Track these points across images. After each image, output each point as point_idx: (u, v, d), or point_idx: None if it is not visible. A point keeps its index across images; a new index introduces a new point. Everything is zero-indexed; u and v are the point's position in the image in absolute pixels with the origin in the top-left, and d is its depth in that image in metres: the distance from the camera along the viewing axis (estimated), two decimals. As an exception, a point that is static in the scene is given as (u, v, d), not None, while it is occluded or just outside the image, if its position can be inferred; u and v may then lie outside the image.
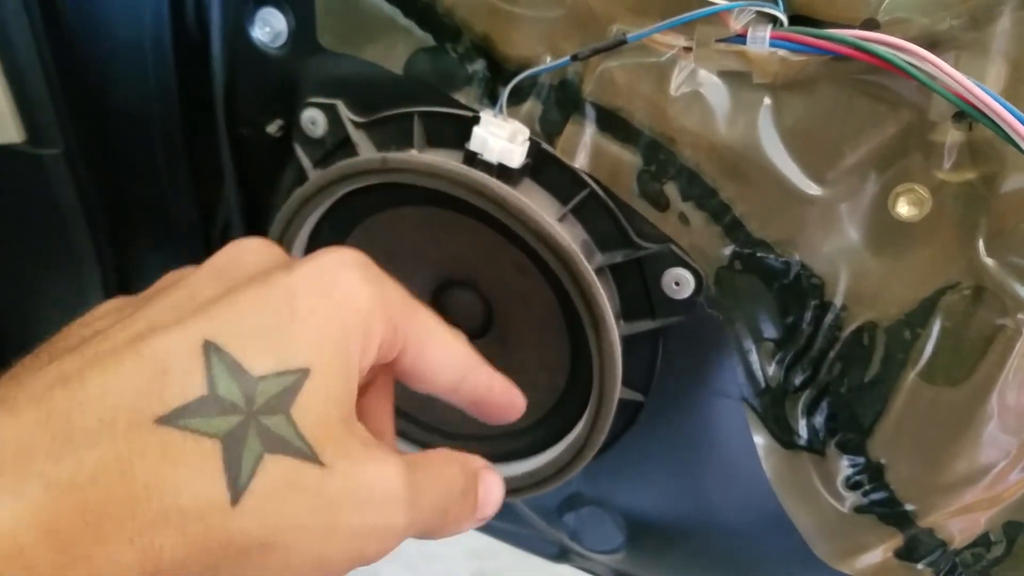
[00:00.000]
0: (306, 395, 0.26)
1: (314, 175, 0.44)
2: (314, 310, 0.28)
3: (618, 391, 0.42)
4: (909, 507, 0.41)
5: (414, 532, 0.30)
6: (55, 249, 0.62)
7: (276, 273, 0.29)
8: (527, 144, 0.40)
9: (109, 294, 0.64)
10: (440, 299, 0.48)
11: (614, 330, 0.40)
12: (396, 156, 0.40)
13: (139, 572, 0.23)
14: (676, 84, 0.37)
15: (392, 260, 0.47)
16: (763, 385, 0.42)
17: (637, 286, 0.41)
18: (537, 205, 0.40)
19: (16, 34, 0.53)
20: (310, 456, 0.26)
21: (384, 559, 0.29)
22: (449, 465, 0.33)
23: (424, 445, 0.52)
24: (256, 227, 0.56)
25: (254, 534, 0.25)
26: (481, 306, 0.47)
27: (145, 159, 0.62)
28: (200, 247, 0.66)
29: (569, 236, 0.40)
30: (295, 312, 0.28)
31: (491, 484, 0.35)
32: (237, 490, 0.25)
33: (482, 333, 0.48)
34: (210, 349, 0.26)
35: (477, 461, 0.35)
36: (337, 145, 0.45)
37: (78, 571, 0.23)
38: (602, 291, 0.40)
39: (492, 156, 0.39)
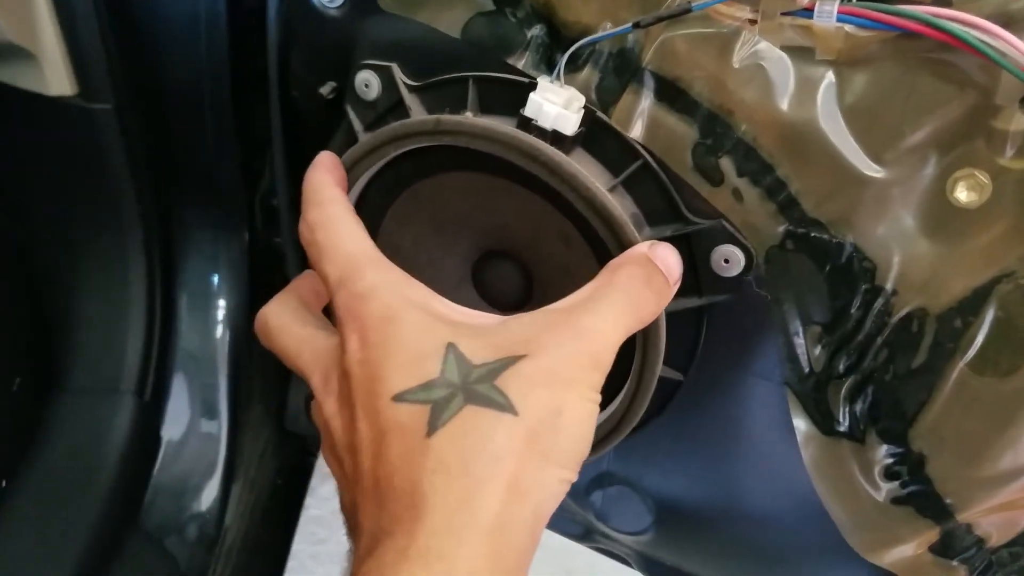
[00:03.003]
0: (513, 370, 0.32)
1: (365, 136, 0.45)
2: None
3: (659, 369, 0.42)
4: (948, 501, 0.41)
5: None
6: (99, 205, 0.63)
7: None
8: (582, 112, 0.39)
9: (150, 252, 0.65)
10: (480, 269, 0.48)
11: None
12: (450, 118, 0.40)
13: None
14: (738, 56, 0.36)
15: (436, 228, 0.48)
16: (807, 369, 0.41)
17: (684, 262, 0.41)
18: (588, 174, 0.40)
19: None
20: (507, 407, 0.31)
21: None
22: (620, 300, 0.36)
23: None
24: (301, 193, 0.56)
25: (447, 460, 0.30)
26: (521, 277, 0.47)
27: (193, 121, 0.62)
28: (241, 210, 0.67)
29: (619, 205, 0.39)
30: None
31: (663, 255, 0.37)
32: (433, 428, 0.31)
33: (521, 304, 0.48)
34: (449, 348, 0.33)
35: (638, 249, 0.37)
36: (389, 108, 0.45)
37: None
38: None
39: (546, 122, 0.39)
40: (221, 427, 0.67)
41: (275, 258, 0.71)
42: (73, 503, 0.62)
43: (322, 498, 1.03)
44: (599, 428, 0.45)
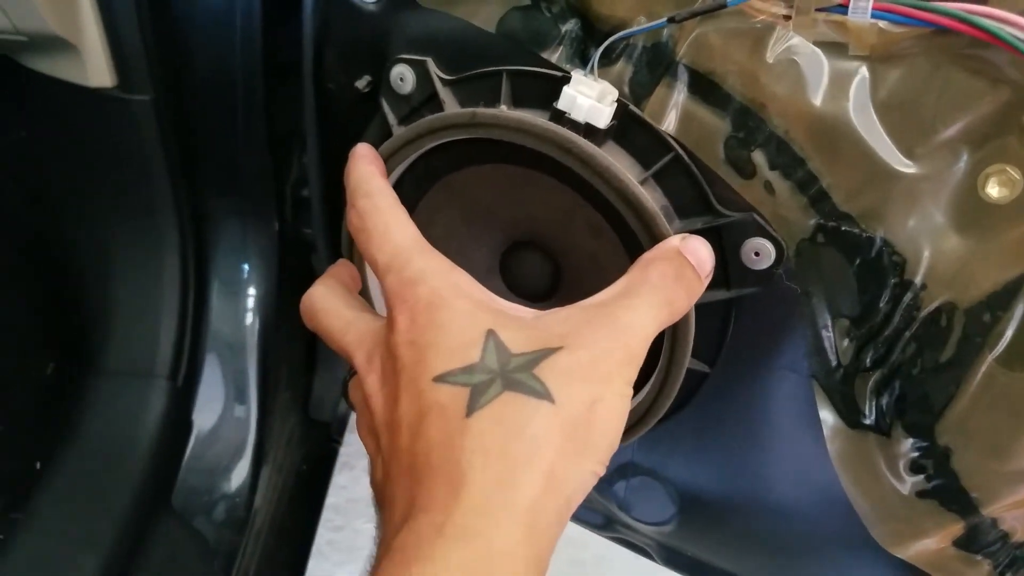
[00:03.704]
0: (551, 361, 0.33)
1: (400, 129, 0.45)
2: None
3: (687, 360, 0.42)
4: (973, 495, 0.41)
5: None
6: (135, 194, 0.64)
7: None
8: (615, 105, 0.40)
9: (183, 240, 0.66)
10: (508, 260, 0.49)
11: None
12: (486, 111, 0.41)
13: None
14: (772, 51, 0.37)
15: (466, 219, 0.48)
16: (834, 363, 0.42)
17: (714, 254, 0.42)
18: (621, 167, 0.40)
19: None
20: (545, 395, 0.32)
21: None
22: (654, 295, 0.36)
23: None
24: (331, 187, 0.57)
25: (486, 441, 0.31)
26: (549, 268, 0.48)
27: (226, 112, 0.64)
28: (271, 201, 0.68)
29: (650, 198, 0.40)
30: None
31: (695, 249, 0.38)
32: (471, 409, 0.32)
33: (548, 295, 0.49)
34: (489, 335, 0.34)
35: (669, 243, 0.38)
36: (423, 102, 0.46)
37: None
38: None
39: (580, 115, 0.40)
40: (251, 412, 0.69)
41: (303, 248, 0.72)
42: (107, 485, 0.64)
43: (339, 486, 1.04)
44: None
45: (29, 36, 0.54)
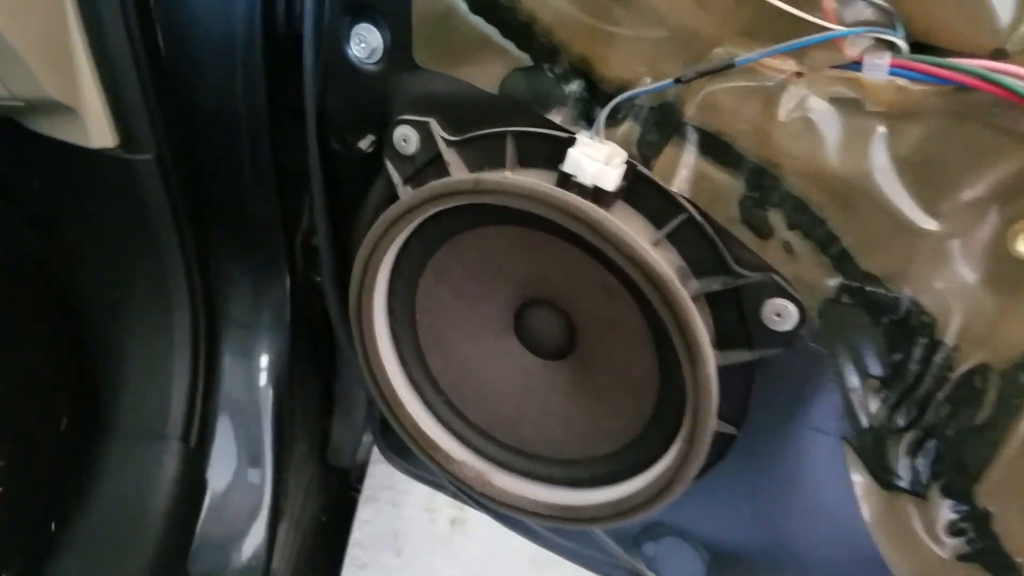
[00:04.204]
0: None
1: (405, 195, 0.44)
2: None
3: (712, 425, 0.40)
4: (1017, 560, 0.39)
5: None
6: (142, 251, 0.64)
7: None
8: (623, 167, 0.39)
9: (193, 297, 0.65)
10: (522, 319, 0.48)
11: (711, 362, 0.39)
12: (489, 178, 0.40)
13: None
14: (785, 109, 0.35)
15: (477, 278, 0.47)
16: (865, 424, 0.40)
17: (734, 315, 0.40)
18: (631, 229, 0.39)
19: (113, 43, 0.54)
20: None
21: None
22: None
23: (502, 464, 0.51)
24: (340, 238, 0.56)
25: None
26: (565, 327, 0.46)
27: (233, 165, 0.63)
28: (281, 252, 0.67)
29: (664, 261, 0.38)
30: None
31: None
32: None
33: (564, 354, 0.47)
34: None
35: None
36: (428, 162, 0.45)
37: None
38: (699, 321, 0.38)
39: (587, 179, 0.38)
40: (265, 471, 0.68)
41: (316, 294, 0.71)
42: (122, 548, 0.63)
43: (363, 521, 1.03)
44: (652, 483, 0.44)
45: (28, 102, 0.53)
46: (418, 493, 0.97)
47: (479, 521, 0.53)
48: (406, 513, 1.00)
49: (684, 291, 0.38)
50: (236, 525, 0.67)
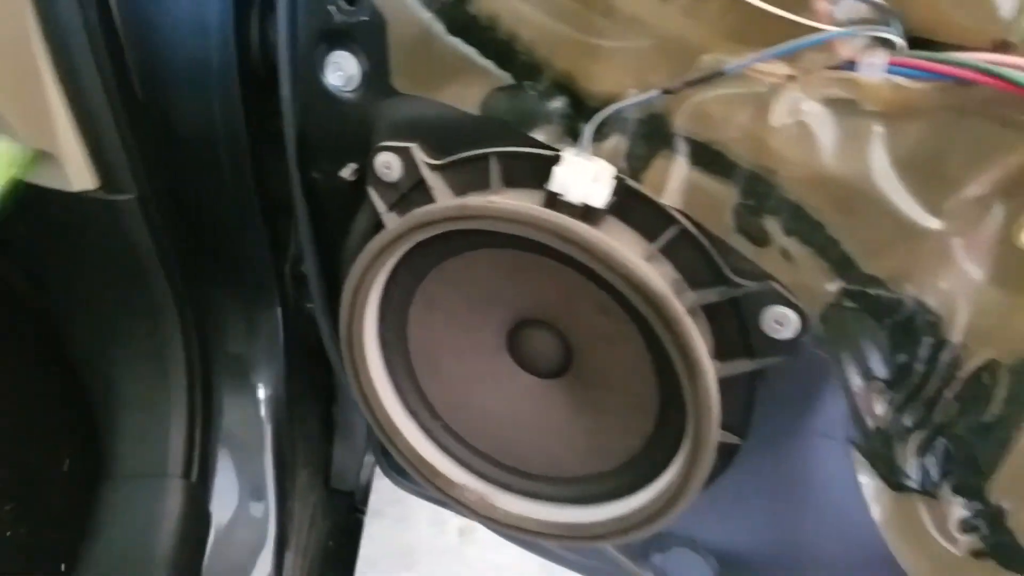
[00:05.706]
0: None
1: (390, 222, 0.43)
2: None
3: (715, 437, 0.40)
4: (1035, 554, 0.38)
5: None
6: (132, 291, 0.63)
7: None
8: (612, 182, 0.38)
9: (186, 333, 0.64)
10: (516, 338, 0.47)
11: (711, 374, 0.38)
12: (474, 203, 0.39)
13: None
14: (778, 114, 0.34)
15: (468, 301, 0.46)
16: (872, 426, 0.39)
17: (733, 325, 0.39)
18: (623, 244, 0.38)
19: (87, 83, 0.53)
20: None
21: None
22: None
23: (504, 486, 0.51)
24: (329, 264, 0.55)
25: None
26: (560, 345, 0.45)
27: (216, 197, 0.62)
28: (271, 282, 0.66)
29: (658, 276, 0.38)
30: None
31: None
32: None
33: (561, 372, 0.46)
34: None
35: None
36: (412, 188, 0.44)
37: None
38: (697, 334, 0.37)
39: (575, 196, 0.38)
40: (269, 502, 0.67)
41: (309, 322, 0.71)
42: (131, 589, 0.62)
43: (371, 537, 1.02)
44: (657, 497, 0.44)
45: (6, 151, 0.52)
46: (424, 505, 0.96)
47: (488, 530, 0.53)
48: (414, 526, 0.99)
49: (680, 306, 0.37)
50: (242, 557, 0.66)
